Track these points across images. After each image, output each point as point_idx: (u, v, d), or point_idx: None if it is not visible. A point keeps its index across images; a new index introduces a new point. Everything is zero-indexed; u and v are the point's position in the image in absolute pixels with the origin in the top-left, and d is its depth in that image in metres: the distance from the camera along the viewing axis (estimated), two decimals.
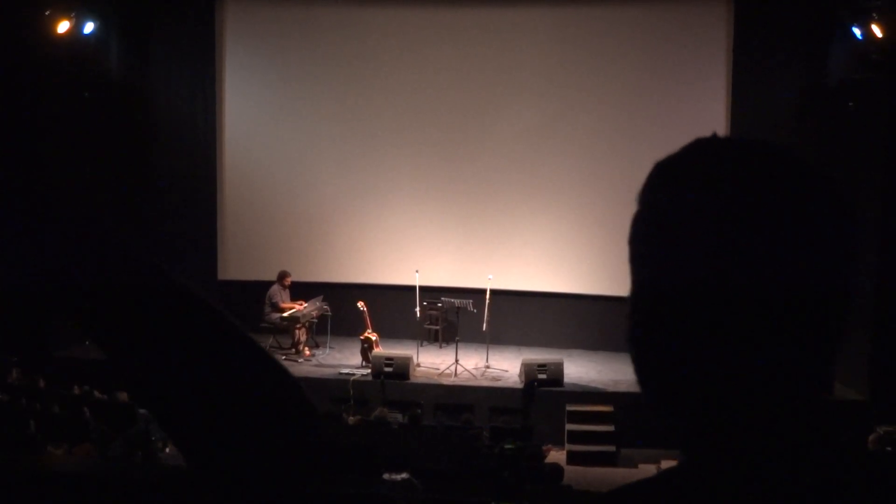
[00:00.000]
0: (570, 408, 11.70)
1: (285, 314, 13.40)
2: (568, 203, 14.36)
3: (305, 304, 13.49)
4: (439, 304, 13.93)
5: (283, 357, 13.48)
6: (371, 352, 12.72)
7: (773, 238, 0.84)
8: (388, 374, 12.28)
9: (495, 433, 10.48)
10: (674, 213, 0.88)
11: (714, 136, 0.93)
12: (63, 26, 12.97)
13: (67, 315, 0.94)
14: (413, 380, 12.43)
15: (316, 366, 13.11)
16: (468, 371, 12.66)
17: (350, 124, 14.89)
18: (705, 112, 13.84)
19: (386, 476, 7.69)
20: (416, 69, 14.68)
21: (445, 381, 12.49)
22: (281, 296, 13.74)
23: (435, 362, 13.19)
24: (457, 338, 13.10)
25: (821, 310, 0.86)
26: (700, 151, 0.92)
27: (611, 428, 11.56)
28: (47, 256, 0.89)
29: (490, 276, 13.12)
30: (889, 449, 8.19)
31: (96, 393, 11.16)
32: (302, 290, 13.96)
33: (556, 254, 14.38)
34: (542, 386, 12.01)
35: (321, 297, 13.76)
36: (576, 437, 11.42)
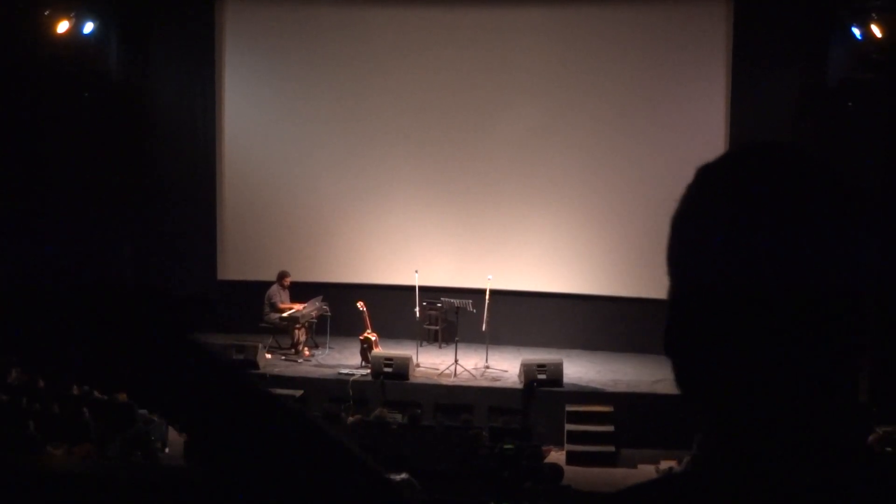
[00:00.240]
0: (569, 408, 11.70)
1: (284, 314, 13.39)
2: (568, 203, 14.35)
3: (305, 305, 13.49)
4: (439, 305, 13.93)
5: (283, 357, 13.48)
6: (370, 352, 12.71)
7: (814, 244, 0.87)
8: (387, 375, 12.28)
9: (495, 433, 10.48)
10: (717, 218, 0.90)
11: (758, 142, 0.94)
12: (63, 26, 12.97)
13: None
14: (412, 380, 12.42)
15: (315, 366, 13.10)
16: (468, 371, 12.66)
17: (350, 124, 14.88)
18: (705, 112, 13.85)
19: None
20: (415, 69, 14.67)
21: (445, 381, 12.48)
22: (280, 296, 13.73)
23: (434, 362, 13.18)
24: (456, 338, 13.10)
25: (854, 313, 0.89)
26: (744, 157, 0.94)
27: (610, 428, 11.56)
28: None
29: (489, 277, 13.12)
30: (889, 449, 8.19)
31: (96, 393, 11.15)
32: (301, 291, 13.95)
33: (555, 254, 14.37)
34: (541, 386, 12.01)
35: (321, 298, 13.76)
36: (575, 438, 11.42)
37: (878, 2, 11.62)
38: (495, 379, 12.59)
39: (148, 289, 0.95)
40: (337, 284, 14.45)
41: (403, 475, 7.69)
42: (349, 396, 12.13)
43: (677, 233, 0.98)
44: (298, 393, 11.68)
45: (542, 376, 12.04)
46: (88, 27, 13.52)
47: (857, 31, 12.03)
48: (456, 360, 12.68)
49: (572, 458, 11.13)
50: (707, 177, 0.95)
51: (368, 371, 12.48)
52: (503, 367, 12.97)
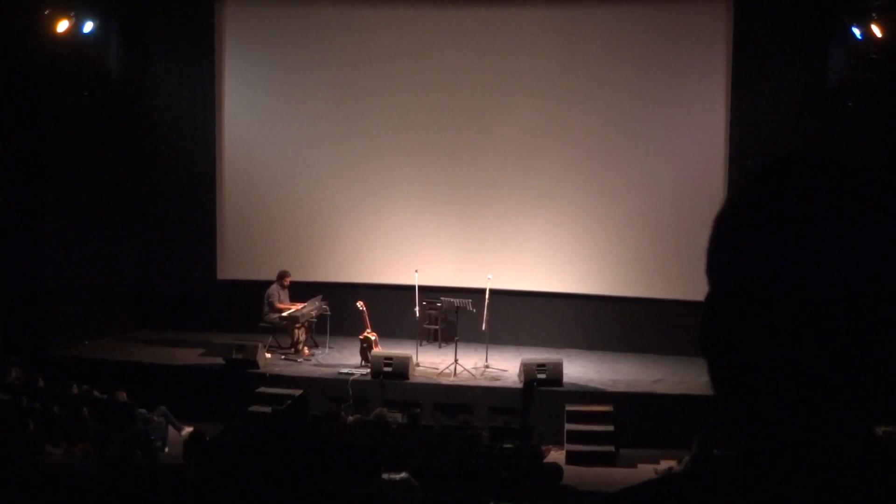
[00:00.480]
0: (569, 408, 11.69)
1: (284, 314, 13.39)
2: (567, 203, 14.35)
3: (304, 305, 13.48)
4: (438, 304, 13.93)
5: (283, 357, 13.49)
6: (370, 351, 12.71)
7: (853, 250, 0.91)
8: (387, 374, 12.27)
9: (494, 433, 10.48)
10: (760, 224, 0.95)
11: (801, 152, 0.99)
12: (63, 25, 12.98)
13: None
14: (412, 379, 12.42)
15: (315, 365, 13.10)
16: (467, 371, 12.66)
17: (350, 124, 14.89)
18: (705, 112, 13.85)
19: (385, 476, 7.69)
20: (415, 70, 14.67)
21: (445, 380, 12.48)
22: (280, 295, 13.73)
23: (434, 362, 13.18)
24: (456, 337, 13.09)
25: (889, 317, 0.92)
26: (788, 165, 0.98)
27: (610, 428, 11.55)
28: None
29: (489, 276, 13.12)
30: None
31: (95, 392, 11.16)
32: (301, 290, 13.95)
33: (555, 254, 14.37)
34: (541, 386, 12.00)
35: (320, 297, 13.76)
36: (575, 437, 11.41)
37: (879, 2, 11.62)
38: (495, 378, 12.58)
39: None
40: (337, 284, 14.45)
41: (403, 475, 7.70)
42: (349, 396, 12.12)
43: (720, 236, 1.01)
44: (298, 392, 11.68)
45: (542, 376, 12.03)
46: (88, 27, 13.53)
47: (857, 32, 12.04)
48: (456, 360, 12.68)
49: (572, 458, 11.11)
50: (751, 184, 0.99)
51: (368, 371, 12.47)
52: (503, 366, 12.96)
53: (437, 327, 14.31)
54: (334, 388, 12.27)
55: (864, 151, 12.15)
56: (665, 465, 10.47)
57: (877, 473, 0.92)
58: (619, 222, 14.19)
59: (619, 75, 14.10)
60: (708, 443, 9.82)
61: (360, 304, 13.24)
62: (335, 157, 14.95)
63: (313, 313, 13.58)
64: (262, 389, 12.17)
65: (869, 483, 0.92)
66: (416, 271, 13.40)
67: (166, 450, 10.63)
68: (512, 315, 14.25)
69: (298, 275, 14.12)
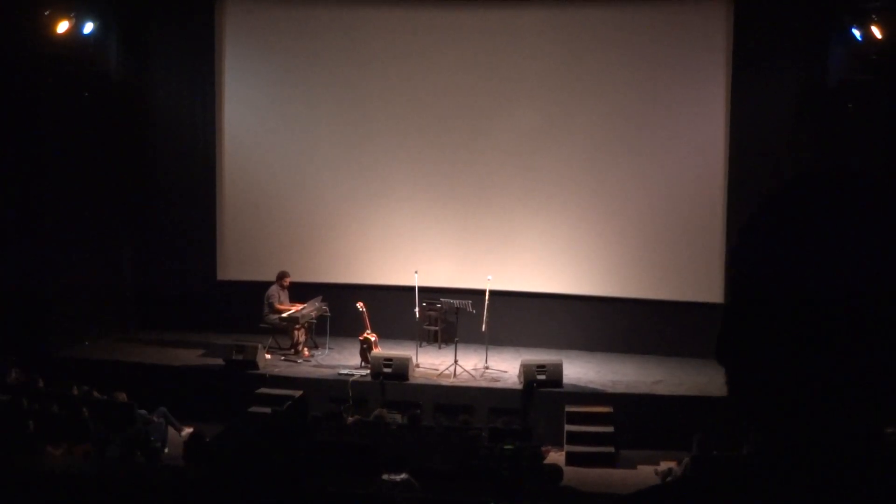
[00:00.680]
0: (569, 409, 11.69)
1: (284, 315, 13.39)
2: (567, 204, 14.35)
3: (304, 306, 13.48)
4: (438, 305, 13.93)
5: (283, 357, 13.49)
6: (370, 352, 12.71)
7: (872, 262, 0.96)
8: (387, 375, 12.27)
9: (494, 434, 10.48)
10: (784, 237, 1.00)
11: (824, 167, 1.05)
12: (63, 26, 12.98)
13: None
14: (412, 380, 12.42)
15: (315, 366, 13.10)
16: (467, 372, 12.66)
17: (349, 125, 14.89)
18: (705, 113, 13.84)
19: (385, 476, 7.69)
20: (415, 70, 14.67)
21: (444, 381, 12.48)
22: (280, 296, 13.73)
23: (434, 363, 13.18)
24: (456, 338, 13.09)
25: None
26: (812, 180, 1.04)
27: (610, 429, 11.55)
28: None
29: (489, 277, 13.11)
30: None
31: (95, 393, 11.15)
32: (301, 291, 13.95)
33: (555, 255, 14.37)
34: (540, 387, 12.00)
35: (320, 298, 13.75)
36: (575, 438, 11.41)
37: (879, 3, 11.62)
38: (495, 379, 12.58)
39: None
40: (336, 285, 14.45)
41: (403, 476, 7.70)
42: (349, 397, 12.12)
43: (745, 246, 1.05)
44: (298, 393, 11.67)
45: (542, 377, 12.03)
46: (88, 27, 13.53)
47: (857, 33, 12.04)
48: (455, 361, 12.68)
49: (572, 459, 11.12)
50: (776, 197, 1.04)
51: (368, 371, 12.48)
52: (503, 367, 12.96)
53: (436, 328, 14.30)
54: (334, 388, 12.27)
55: (863, 152, 12.16)
56: (665, 466, 10.47)
57: (886, 473, 0.95)
58: (619, 223, 14.19)
59: (618, 76, 14.09)
60: (708, 444, 9.82)
61: (359, 304, 13.23)
62: (335, 158, 14.95)
63: (313, 314, 13.58)
64: (262, 390, 12.17)
65: (879, 482, 0.95)
66: (416, 272, 13.40)
67: (166, 450, 10.62)
68: (512, 316, 14.25)
69: (298, 275, 14.12)
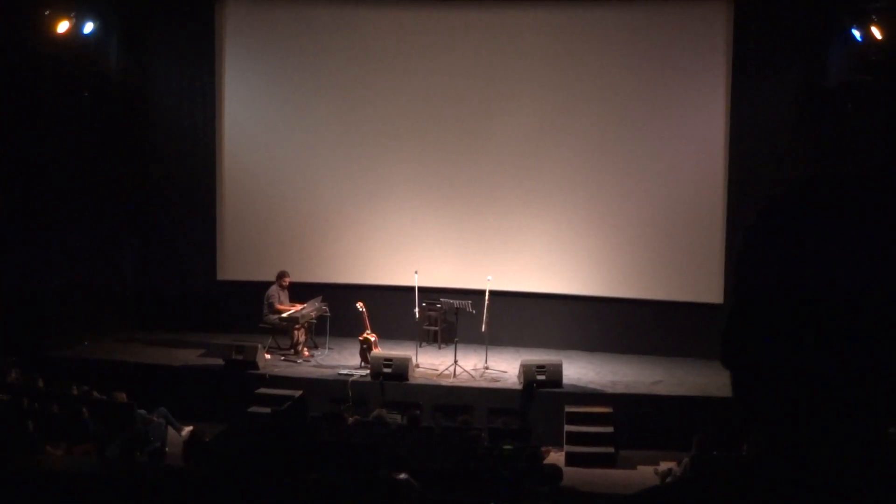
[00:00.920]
0: (568, 409, 11.69)
1: (284, 315, 13.39)
2: (567, 204, 14.35)
3: (304, 306, 13.48)
4: (438, 305, 13.93)
5: (282, 358, 13.49)
6: (370, 352, 12.71)
7: (871, 267, 0.97)
8: (386, 375, 12.27)
9: (494, 434, 10.48)
10: (788, 244, 1.01)
11: (826, 175, 1.06)
12: (63, 26, 12.98)
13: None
14: (412, 381, 12.42)
15: (315, 366, 13.10)
16: (467, 372, 12.66)
17: (350, 125, 14.89)
18: (705, 113, 13.85)
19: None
20: (415, 71, 14.67)
21: (444, 381, 12.48)
22: (279, 296, 13.73)
23: (434, 363, 13.18)
24: (456, 339, 13.09)
25: None
26: (814, 188, 1.05)
27: (609, 429, 11.55)
28: None
29: (489, 278, 13.11)
30: None
31: (95, 393, 11.15)
32: (301, 291, 13.95)
33: (555, 255, 14.37)
34: (540, 387, 12.00)
35: (320, 298, 13.75)
36: (574, 439, 11.41)
37: (879, 4, 11.62)
38: (495, 380, 12.58)
39: None
40: (336, 285, 14.45)
41: (403, 475, 7.70)
42: (349, 397, 12.12)
43: (750, 250, 1.06)
44: (298, 393, 11.67)
45: (542, 377, 12.03)
46: (88, 27, 13.53)
47: (857, 33, 12.04)
48: (455, 361, 12.68)
49: (571, 460, 11.12)
50: (781, 202, 1.05)
51: (368, 372, 12.48)
52: (502, 367, 12.96)
53: (436, 328, 14.30)
54: (334, 389, 12.26)
55: (863, 153, 12.16)
56: (664, 466, 10.47)
57: (887, 474, 0.96)
58: (619, 223, 14.19)
59: (619, 76, 14.10)
60: (707, 444, 9.82)
61: (359, 305, 13.23)
62: (335, 158, 14.95)
63: (313, 314, 13.58)
64: (262, 390, 12.16)
65: (880, 483, 0.96)
66: (416, 272, 13.40)
67: (166, 450, 10.62)
68: (512, 316, 14.26)
69: (298, 276, 14.12)
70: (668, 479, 9.31)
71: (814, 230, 0.99)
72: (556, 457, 11.10)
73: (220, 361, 12.82)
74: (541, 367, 12.15)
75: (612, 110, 14.19)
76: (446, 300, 13.61)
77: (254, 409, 11.76)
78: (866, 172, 11.68)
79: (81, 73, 13.84)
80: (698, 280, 13.68)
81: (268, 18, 15.03)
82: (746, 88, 13.51)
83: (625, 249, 14.16)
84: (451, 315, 13.65)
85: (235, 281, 15.07)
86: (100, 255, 14.53)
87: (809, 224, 1.00)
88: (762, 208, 1.06)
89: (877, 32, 11.68)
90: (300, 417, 10.88)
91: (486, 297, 13.03)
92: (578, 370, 13.02)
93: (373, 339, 12.96)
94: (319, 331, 13.85)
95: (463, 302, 13.33)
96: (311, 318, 13.64)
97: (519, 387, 12.16)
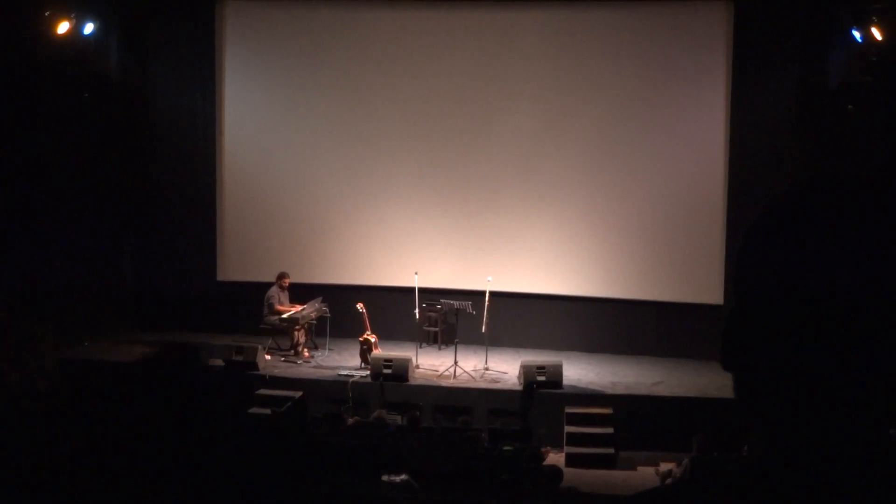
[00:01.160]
0: (568, 410, 11.69)
1: (284, 316, 13.39)
2: (568, 205, 14.36)
3: (304, 307, 13.48)
4: (438, 306, 13.93)
5: (282, 358, 13.49)
6: (370, 353, 12.70)
7: (872, 269, 0.97)
8: (387, 376, 12.27)
9: (494, 435, 10.47)
10: (788, 246, 1.01)
11: (826, 178, 1.07)
12: (63, 27, 12.98)
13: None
14: (412, 381, 12.41)
15: (315, 367, 13.09)
16: (467, 373, 12.65)
17: (350, 125, 14.89)
18: (705, 114, 13.85)
19: (385, 477, 7.69)
20: (415, 71, 14.68)
21: (444, 382, 12.47)
22: (279, 297, 13.73)
23: (434, 364, 13.18)
24: (456, 339, 13.09)
25: None
26: (813, 190, 1.05)
27: (610, 430, 11.55)
28: None
29: (489, 278, 13.11)
30: None
31: None
32: (301, 292, 13.95)
33: (555, 256, 14.37)
34: (540, 388, 11.99)
35: (320, 299, 13.75)
36: (574, 440, 11.41)
37: (879, 4, 11.62)
38: (495, 381, 12.58)
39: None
40: (336, 286, 14.45)
41: (403, 477, 7.70)
42: (349, 398, 12.12)
43: (751, 251, 1.06)
44: (298, 394, 11.67)
45: (542, 378, 12.02)
46: (88, 27, 13.53)
47: (857, 34, 12.04)
48: (455, 362, 12.68)
49: (572, 460, 11.12)
50: (782, 203, 1.05)
51: (368, 372, 12.47)
52: (503, 368, 12.96)
53: (436, 329, 14.30)
54: (334, 390, 12.26)
55: (862, 154, 12.16)
56: (665, 467, 10.46)
57: (888, 474, 0.96)
58: (619, 224, 14.19)
59: (619, 76, 14.10)
60: (708, 445, 9.82)
61: (359, 305, 13.23)
62: (335, 159, 14.95)
63: (313, 315, 13.58)
64: (262, 391, 12.15)
65: (881, 483, 0.96)
66: (416, 273, 13.39)
67: None
68: (512, 317, 14.26)
69: (298, 276, 14.12)
70: (669, 480, 9.31)
71: (814, 231, 0.99)
72: (556, 458, 11.10)
73: (220, 362, 12.82)
74: (541, 368, 12.15)
75: (612, 111, 14.19)
76: (446, 301, 13.62)
77: (254, 410, 11.74)
78: (866, 173, 11.68)
79: (81, 73, 13.84)
80: (698, 281, 13.68)
81: (268, 18, 15.04)
82: (746, 89, 13.51)
83: (625, 250, 14.16)
84: (452, 316, 13.65)
85: (235, 282, 15.07)
86: (100, 255, 14.53)
87: (810, 225, 1.00)
88: (762, 210, 1.06)
89: (877, 33, 11.68)
90: (300, 418, 10.88)
91: (487, 298, 13.03)
92: (578, 371, 13.02)
93: (373, 339, 12.96)
94: (319, 332, 13.85)
95: (463, 303, 13.33)
96: (311, 319, 13.64)
97: (519, 388, 12.15)
